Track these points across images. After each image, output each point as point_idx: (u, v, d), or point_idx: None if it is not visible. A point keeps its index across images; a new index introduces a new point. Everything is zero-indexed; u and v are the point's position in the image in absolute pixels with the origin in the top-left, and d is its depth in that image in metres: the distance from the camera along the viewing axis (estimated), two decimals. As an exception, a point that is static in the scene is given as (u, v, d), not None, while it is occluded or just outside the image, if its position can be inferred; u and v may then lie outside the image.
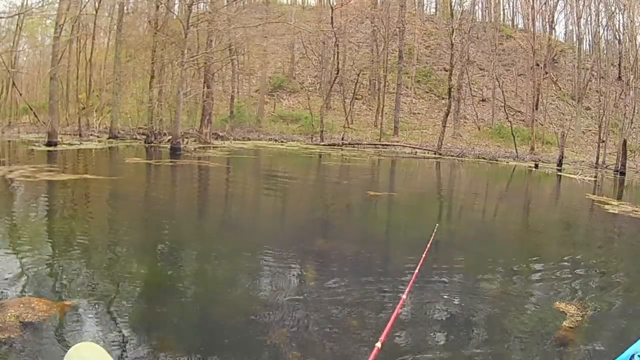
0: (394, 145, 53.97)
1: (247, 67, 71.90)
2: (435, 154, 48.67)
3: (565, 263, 11.75)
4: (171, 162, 32.78)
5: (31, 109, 56.84)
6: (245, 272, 10.14)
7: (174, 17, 44.56)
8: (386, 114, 62.12)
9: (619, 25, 61.06)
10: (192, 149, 40.24)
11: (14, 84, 61.65)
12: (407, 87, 67.98)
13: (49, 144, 39.91)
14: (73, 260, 10.03)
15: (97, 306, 7.54)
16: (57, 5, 45.35)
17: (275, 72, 74.28)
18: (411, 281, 4.78)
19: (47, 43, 61.03)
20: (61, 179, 22.18)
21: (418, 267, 5.13)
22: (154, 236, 13.05)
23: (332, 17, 57.13)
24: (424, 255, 5.70)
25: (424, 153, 49.62)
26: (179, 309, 7.86)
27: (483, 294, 9.31)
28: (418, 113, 66.80)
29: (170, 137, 42.26)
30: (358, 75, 64.35)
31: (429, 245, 6.26)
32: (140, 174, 27.72)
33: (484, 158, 47.73)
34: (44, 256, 10.07)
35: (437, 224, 9.29)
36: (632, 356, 4.80)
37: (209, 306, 8.14)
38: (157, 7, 47.09)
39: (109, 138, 48.51)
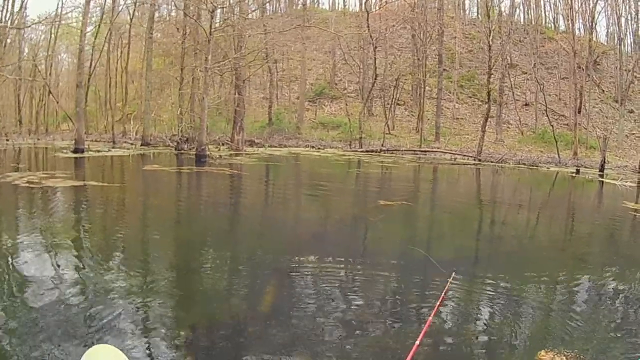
0: (433, 151, 52.85)
1: (288, 73, 71.39)
2: (475, 160, 47.28)
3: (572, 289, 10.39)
4: (189, 169, 32.53)
5: (69, 117, 56.70)
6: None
7: (199, 23, 43.72)
8: (428, 119, 61.35)
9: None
10: (218, 156, 39.85)
11: (50, 92, 61.97)
12: (450, 92, 67.01)
13: (75, 151, 40.25)
14: None
15: None
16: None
17: (317, 79, 74.03)
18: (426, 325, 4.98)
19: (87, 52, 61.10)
20: (64, 185, 22.30)
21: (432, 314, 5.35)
22: (104, 243, 12.62)
23: (367, 21, 56.01)
24: (438, 302, 5.98)
25: (464, 159, 48.33)
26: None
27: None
28: (461, 118, 65.64)
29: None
30: (397, 80, 63.28)
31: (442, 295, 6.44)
32: (147, 182, 27.59)
33: (525, 164, 46.22)
34: None
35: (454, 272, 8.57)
36: None
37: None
38: (185, 14, 46.63)
39: (141, 145, 48.83)
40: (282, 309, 8.12)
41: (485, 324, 7.84)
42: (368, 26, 56.45)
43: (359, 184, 30.24)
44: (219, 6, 42.70)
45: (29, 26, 54.43)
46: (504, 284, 10.05)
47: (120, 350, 4.50)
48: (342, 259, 11.52)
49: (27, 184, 21.86)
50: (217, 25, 42.01)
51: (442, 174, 38.96)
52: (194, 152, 39.84)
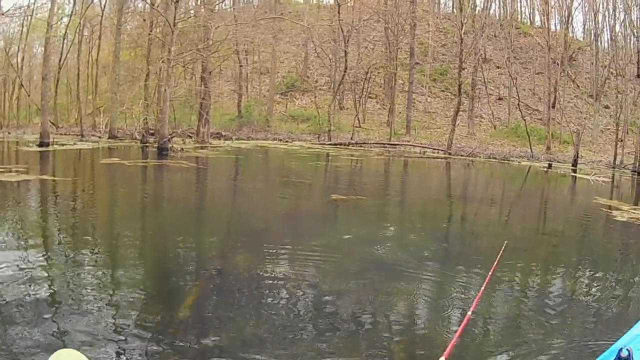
0: (402, 144, 52.83)
1: (260, 66, 71.07)
2: (445, 153, 47.10)
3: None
4: (147, 162, 32.58)
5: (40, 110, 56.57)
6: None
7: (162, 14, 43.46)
8: (400, 113, 61.20)
9: (637, 20, 58.98)
10: (180, 149, 39.95)
11: (21, 85, 61.67)
12: (422, 86, 67.14)
13: (40, 145, 40.24)
14: None
15: None
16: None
17: (289, 72, 74.02)
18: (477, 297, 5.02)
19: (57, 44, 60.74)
20: (16, 179, 21.96)
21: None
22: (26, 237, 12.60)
23: (339, 13, 55.90)
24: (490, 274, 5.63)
25: (434, 153, 48.19)
26: None
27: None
28: (433, 112, 65.83)
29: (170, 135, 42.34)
30: (367, 73, 62.98)
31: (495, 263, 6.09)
32: (100, 175, 27.96)
33: (496, 158, 46.14)
34: None
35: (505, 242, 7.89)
36: (620, 350, 4.64)
37: None
38: (151, 4, 46.34)
39: (108, 138, 49.10)
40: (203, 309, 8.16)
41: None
42: (339, 19, 56.21)
43: (317, 178, 30.37)
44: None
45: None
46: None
47: (83, 354, 4.30)
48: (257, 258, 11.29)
49: None
50: (182, 16, 41.35)
51: (408, 168, 39.24)
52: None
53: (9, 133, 56.40)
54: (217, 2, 51.21)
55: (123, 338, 6.73)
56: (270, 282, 9.65)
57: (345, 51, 57.28)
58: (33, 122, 58.96)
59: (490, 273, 5.51)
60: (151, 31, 47.71)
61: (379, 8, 67.52)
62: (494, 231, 17.05)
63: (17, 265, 9.63)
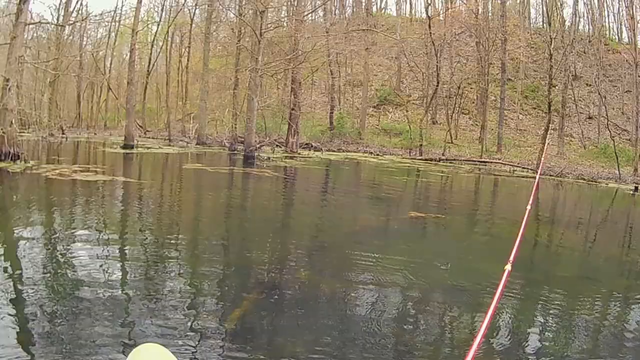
0: (492, 162, 51.75)
1: (353, 78, 70.89)
2: (534, 172, 46.15)
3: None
4: (230, 169, 32.37)
5: (127, 113, 57.66)
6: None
7: (248, 24, 43.70)
8: (492, 129, 60.25)
9: None
10: (266, 158, 39.62)
11: (109, 88, 62.79)
12: (514, 103, 65.76)
13: (124, 147, 40.89)
14: None
15: None
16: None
17: (382, 85, 73.28)
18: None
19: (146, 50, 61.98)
20: (91, 179, 22.36)
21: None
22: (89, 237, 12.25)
23: (429, 27, 55.21)
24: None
25: (523, 172, 47.24)
26: None
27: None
28: (524, 130, 64.31)
29: (259, 144, 42.77)
30: (459, 88, 62.14)
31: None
32: (176, 180, 28.07)
33: (584, 179, 44.85)
34: None
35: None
36: None
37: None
38: (240, 14, 46.63)
39: (196, 144, 49.54)
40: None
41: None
42: (430, 33, 55.62)
43: (401, 193, 29.32)
44: (269, 7, 42.40)
45: (71, 23, 54.88)
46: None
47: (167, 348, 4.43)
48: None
49: (56, 176, 22.17)
50: (269, 26, 41.55)
51: (496, 186, 37.84)
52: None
53: (95, 134, 57.63)
54: (306, 13, 51.20)
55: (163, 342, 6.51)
56: (326, 300, 9.14)
57: (437, 65, 56.35)
58: (121, 124, 60.01)
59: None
60: (239, 40, 47.97)
61: (470, 22, 66.78)
62: (576, 259, 15.95)
63: (92, 262, 9.82)
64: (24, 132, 46.42)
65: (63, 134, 53.55)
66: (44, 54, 55.44)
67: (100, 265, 9.76)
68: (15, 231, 12.41)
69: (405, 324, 8.25)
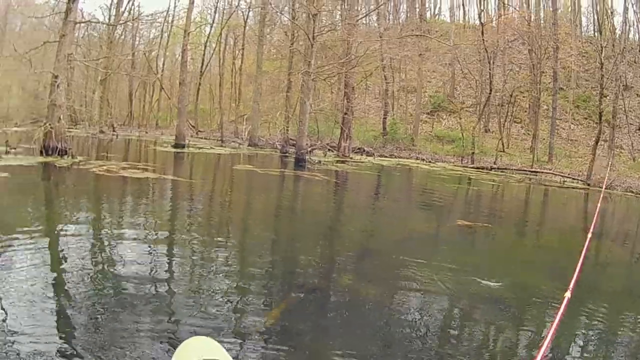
0: (542, 172, 51.10)
1: (407, 84, 70.68)
2: (583, 184, 45.59)
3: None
4: (280, 171, 32.57)
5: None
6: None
7: (301, 27, 43.85)
8: (543, 139, 59.67)
9: None
10: (317, 162, 39.51)
11: (162, 88, 63.45)
12: (566, 112, 64.95)
13: (175, 146, 41.37)
14: None
15: None
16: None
17: (436, 92, 72.78)
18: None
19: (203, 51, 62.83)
20: (139, 176, 22.75)
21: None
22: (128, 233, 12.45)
23: (482, 34, 54.86)
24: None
25: (573, 182, 46.66)
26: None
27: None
28: (575, 140, 63.48)
29: (311, 147, 43.27)
30: (511, 96, 61.63)
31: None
32: (225, 180, 28.28)
33: (632, 192, 44.11)
34: None
35: None
36: None
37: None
38: (293, 17, 46.76)
39: (248, 146, 49.91)
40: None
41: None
42: (483, 39, 55.26)
43: (451, 201, 28.84)
44: (322, 10, 42.31)
45: (121, 23, 55.58)
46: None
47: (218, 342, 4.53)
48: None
49: (103, 172, 22.36)
50: (322, 29, 41.53)
51: (546, 197, 37.20)
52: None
53: (146, 133, 58.34)
54: (359, 18, 51.16)
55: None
56: (367, 305, 8.88)
57: (490, 73, 55.92)
58: (172, 124, 60.61)
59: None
60: (292, 44, 48.06)
61: (522, 29, 66.24)
62: (622, 273, 15.34)
63: (138, 257, 10.03)
64: (74, 129, 47.12)
65: (114, 131, 54.34)
66: (95, 53, 56.16)
67: (146, 260, 9.94)
68: (60, 225, 12.57)
69: (445, 335, 8.04)
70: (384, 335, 7.64)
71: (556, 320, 4.34)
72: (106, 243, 11.25)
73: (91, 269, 8.99)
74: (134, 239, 11.56)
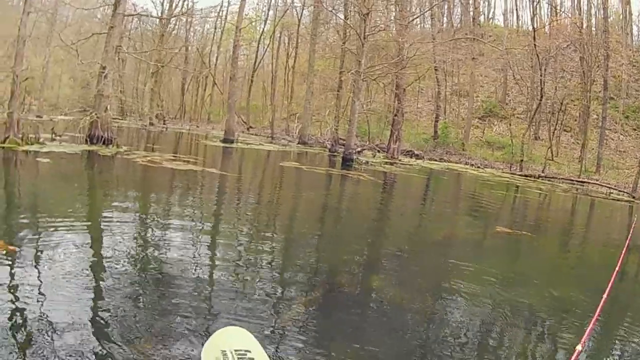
0: (589, 182, 50.42)
1: (460, 88, 70.30)
2: (629, 196, 44.96)
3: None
4: (325, 170, 32.39)
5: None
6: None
7: (351, 26, 44.02)
8: (592, 149, 59.01)
9: None
10: (364, 162, 39.51)
11: (214, 83, 64.05)
12: (615, 122, 64.12)
13: (224, 141, 41.87)
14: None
15: None
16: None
17: (488, 97, 72.12)
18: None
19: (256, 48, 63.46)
20: (180, 168, 23.14)
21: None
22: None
23: (534, 38, 54.33)
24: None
25: (619, 195, 46.02)
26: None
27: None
28: (624, 151, 62.78)
29: (360, 148, 43.71)
30: (561, 104, 61.01)
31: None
32: (267, 175, 28.63)
33: (677, 205, 43.29)
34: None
35: None
36: None
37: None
38: (345, 16, 46.92)
39: (298, 144, 50.02)
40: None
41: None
42: (535, 44, 54.78)
43: (495, 207, 28.30)
44: (373, 10, 42.27)
45: (171, 17, 56.28)
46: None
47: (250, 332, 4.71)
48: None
49: (146, 163, 22.78)
50: (373, 29, 41.49)
51: (592, 209, 36.49)
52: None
53: (197, 127, 58.94)
54: (411, 19, 51.08)
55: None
56: (390, 311, 8.66)
57: (541, 79, 55.39)
58: (224, 119, 61.34)
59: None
60: (344, 43, 48.19)
61: (574, 36, 65.56)
62: None
63: (174, 246, 10.24)
64: (124, 120, 47.78)
65: (164, 124, 54.96)
66: (147, 46, 56.83)
67: (186, 248, 10.22)
68: (99, 210, 13.05)
69: (471, 345, 7.76)
70: (402, 338, 7.62)
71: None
72: (145, 229, 11.51)
73: (131, 254, 9.27)
74: (173, 227, 11.83)
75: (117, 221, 11.73)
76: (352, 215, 18.96)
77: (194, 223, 12.89)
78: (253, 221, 14.85)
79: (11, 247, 8.52)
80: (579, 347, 4.23)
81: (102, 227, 11.29)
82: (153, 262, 8.96)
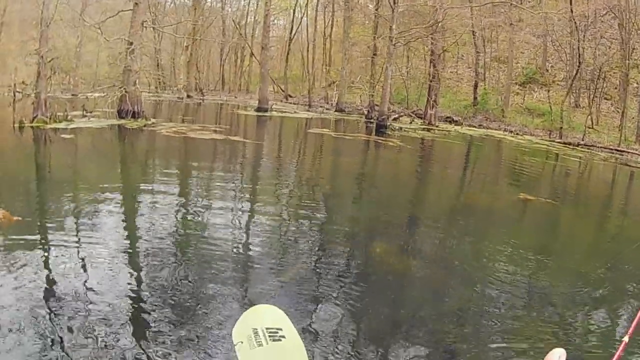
0: (628, 152, 49.73)
1: (500, 55, 69.66)
2: (667, 167, 44.14)
3: None
4: (353, 136, 32.41)
5: (272, 79, 58.73)
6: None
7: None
8: (632, 118, 58.25)
9: None
10: (398, 128, 39.16)
11: (252, 54, 64.26)
12: (658, 91, 63.16)
13: (258, 110, 42.38)
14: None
15: None
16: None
17: (528, 63, 71.35)
18: None
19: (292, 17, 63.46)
20: (203, 137, 23.41)
21: None
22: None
23: (571, 4, 53.68)
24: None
25: (656, 165, 45.24)
26: None
27: None
28: (665, 121, 61.79)
29: (397, 114, 44.13)
30: (600, 71, 60.26)
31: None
32: (290, 142, 29.19)
33: None
34: None
35: None
36: None
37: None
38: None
39: (335, 111, 50.02)
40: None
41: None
42: (571, 9, 54.16)
43: (527, 174, 27.71)
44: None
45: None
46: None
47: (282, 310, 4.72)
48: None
49: (170, 133, 23.33)
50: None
51: (627, 179, 35.33)
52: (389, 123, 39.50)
53: (235, 97, 59.21)
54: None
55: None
56: (388, 278, 8.57)
57: (579, 46, 54.91)
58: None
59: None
60: (377, 9, 47.99)
61: (612, 2, 64.55)
62: None
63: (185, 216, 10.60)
64: (159, 93, 48.21)
65: (202, 95, 55.29)
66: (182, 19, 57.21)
67: (206, 223, 10.33)
68: (117, 181, 13.58)
69: (470, 317, 7.45)
70: (442, 300, 7.86)
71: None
72: (168, 200, 11.59)
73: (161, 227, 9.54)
74: (185, 196, 12.28)
75: (142, 190, 12.48)
76: (373, 181, 19.13)
77: (201, 190, 13.43)
78: (247, 190, 14.85)
79: (15, 218, 8.87)
80: (626, 339, 3.94)
81: (120, 196, 11.76)
82: (187, 233, 9.32)
